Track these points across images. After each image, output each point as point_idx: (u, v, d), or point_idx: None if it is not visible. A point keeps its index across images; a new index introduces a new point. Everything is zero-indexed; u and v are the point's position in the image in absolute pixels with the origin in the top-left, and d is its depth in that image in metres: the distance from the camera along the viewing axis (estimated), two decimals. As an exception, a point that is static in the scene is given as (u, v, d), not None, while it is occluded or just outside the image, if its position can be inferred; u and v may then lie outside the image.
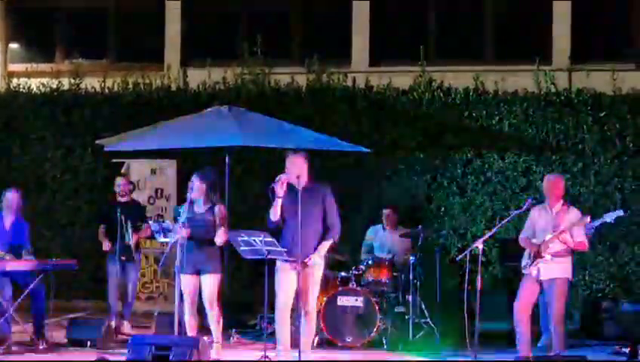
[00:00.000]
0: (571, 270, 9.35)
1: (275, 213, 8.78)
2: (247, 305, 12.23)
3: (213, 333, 9.40)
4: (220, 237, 9.25)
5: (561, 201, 9.42)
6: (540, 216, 9.40)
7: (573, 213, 9.38)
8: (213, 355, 9.15)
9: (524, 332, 9.31)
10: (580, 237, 9.26)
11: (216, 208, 9.37)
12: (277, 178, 8.73)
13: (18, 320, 10.41)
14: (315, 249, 8.75)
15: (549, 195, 9.40)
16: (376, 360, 10.06)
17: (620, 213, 10.19)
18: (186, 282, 9.32)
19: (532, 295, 9.36)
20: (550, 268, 9.24)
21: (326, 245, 8.81)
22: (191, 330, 9.35)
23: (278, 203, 8.74)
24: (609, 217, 9.99)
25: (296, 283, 8.72)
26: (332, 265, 11.33)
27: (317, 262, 8.77)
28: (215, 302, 9.33)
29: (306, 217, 8.61)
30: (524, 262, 9.42)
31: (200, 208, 9.37)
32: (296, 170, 8.74)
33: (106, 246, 11.22)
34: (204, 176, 9.45)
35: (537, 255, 9.24)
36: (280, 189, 8.71)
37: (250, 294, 12.17)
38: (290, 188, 8.75)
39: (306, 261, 8.65)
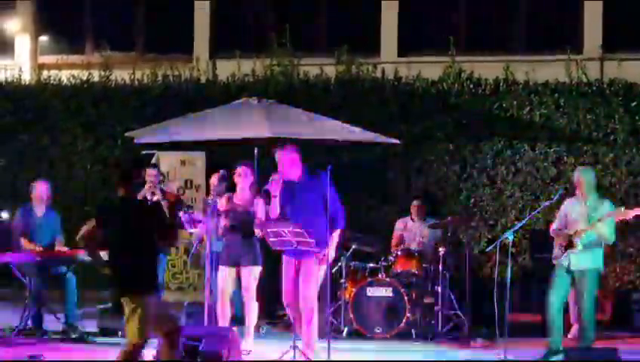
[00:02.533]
0: (602, 261, 9.30)
1: (273, 211, 8.76)
2: (276, 296, 12.24)
3: (246, 325, 9.43)
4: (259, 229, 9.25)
5: (595, 194, 9.38)
6: (573, 207, 9.36)
7: (607, 205, 9.34)
8: (244, 346, 9.18)
9: (556, 323, 9.28)
10: (609, 229, 9.22)
11: (256, 200, 9.39)
12: (270, 178, 8.77)
13: (51, 309, 10.50)
14: (323, 241, 8.66)
15: (581, 188, 9.35)
16: (405, 351, 10.05)
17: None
18: (225, 273, 9.35)
19: (564, 286, 9.32)
20: (581, 259, 9.20)
21: (336, 236, 8.81)
22: (223, 321, 9.38)
23: (275, 202, 8.72)
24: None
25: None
26: (361, 256, 11.35)
27: (332, 257, 8.79)
28: (254, 294, 9.36)
29: (306, 210, 8.60)
30: (555, 252, 9.39)
31: (241, 200, 9.39)
32: (289, 164, 8.75)
33: None
34: (251, 167, 9.50)
35: (569, 245, 9.20)
36: (274, 189, 8.69)
37: (280, 285, 12.16)
38: (287, 183, 8.73)
39: (320, 256, 8.62)
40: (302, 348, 8.66)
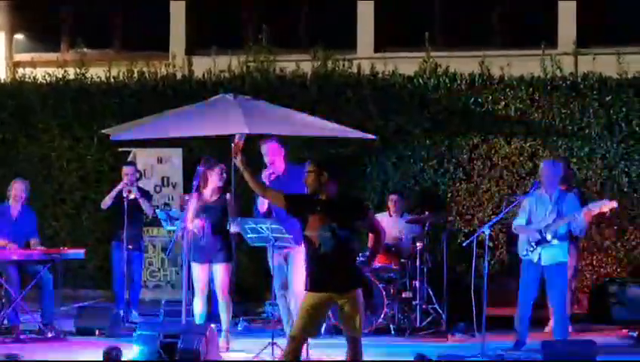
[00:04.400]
0: (572, 255, 9.42)
1: (263, 203, 9.05)
2: (254, 292, 12.27)
3: (223, 321, 9.43)
4: (234, 226, 9.26)
5: (559, 187, 9.44)
6: (537, 201, 9.40)
7: (572, 197, 9.40)
8: (221, 343, 9.17)
9: (524, 317, 9.37)
10: (582, 223, 9.29)
11: (227, 196, 9.39)
12: (262, 173, 8.84)
13: (27, 309, 10.45)
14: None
15: (546, 181, 9.39)
16: (384, 346, 10.06)
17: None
18: (198, 271, 9.34)
19: (534, 281, 9.39)
20: (551, 253, 9.27)
21: None
22: (199, 318, 9.38)
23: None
24: (595, 207, 9.47)
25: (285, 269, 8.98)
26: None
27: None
28: (227, 291, 9.36)
29: None
30: (524, 248, 9.43)
31: (212, 196, 9.38)
32: (274, 156, 8.92)
33: (111, 197, 11.19)
34: (216, 163, 9.49)
35: (540, 240, 9.25)
36: (266, 183, 8.85)
37: (258, 281, 12.19)
38: (275, 176, 8.95)
39: (297, 247, 8.72)
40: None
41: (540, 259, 9.30)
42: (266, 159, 9.17)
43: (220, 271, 9.32)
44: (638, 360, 9.30)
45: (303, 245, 8.39)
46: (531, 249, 9.32)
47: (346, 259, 6.97)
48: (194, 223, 9.22)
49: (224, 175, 9.46)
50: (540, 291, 9.56)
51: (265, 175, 9.01)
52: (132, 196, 11.10)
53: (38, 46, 16.28)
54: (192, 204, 9.28)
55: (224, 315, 9.41)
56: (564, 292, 9.43)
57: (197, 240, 9.26)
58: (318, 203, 6.99)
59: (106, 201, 11.36)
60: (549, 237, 9.20)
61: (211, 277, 9.46)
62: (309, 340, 8.57)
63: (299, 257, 8.79)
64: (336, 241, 6.86)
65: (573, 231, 9.36)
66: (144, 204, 11.19)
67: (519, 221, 9.49)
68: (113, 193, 11.23)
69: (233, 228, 9.30)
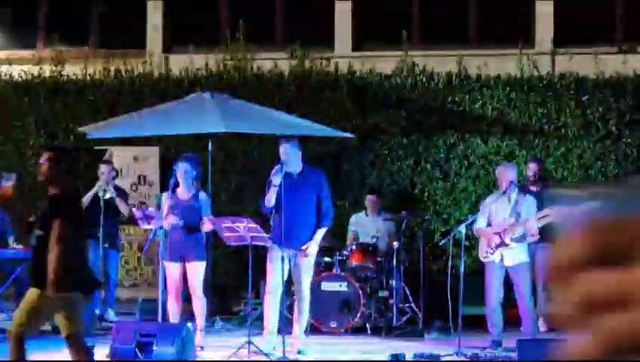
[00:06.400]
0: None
1: (269, 200, 8.86)
2: (232, 291, 12.24)
3: (197, 320, 9.40)
4: (206, 225, 9.23)
5: (516, 189, 9.50)
6: (496, 203, 9.46)
7: (530, 200, 9.47)
8: (196, 342, 9.14)
9: (496, 318, 9.44)
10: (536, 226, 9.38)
11: (201, 194, 9.35)
12: (275, 168, 8.78)
13: (2, 307, 10.39)
14: (310, 237, 8.84)
15: (504, 183, 9.44)
16: (361, 345, 10.08)
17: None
18: (171, 269, 9.31)
19: (500, 282, 9.46)
20: (513, 254, 9.34)
21: (321, 233, 8.95)
22: (174, 317, 9.35)
23: (273, 191, 8.79)
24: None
25: (288, 269, 8.93)
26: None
27: (313, 252, 8.89)
28: (200, 290, 9.33)
29: (300, 204, 8.69)
30: (484, 250, 9.48)
31: (185, 195, 9.35)
32: (289, 156, 8.83)
33: (89, 195, 11.10)
34: (192, 161, 9.45)
35: (501, 244, 9.32)
36: (277, 179, 8.75)
37: (235, 280, 12.17)
38: (286, 174, 8.80)
39: (303, 248, 8.75)
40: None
41: (502, 259, 9.37)
42: (283, 158, 8.94)
43: (193, 270, 9.28)
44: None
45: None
46: (491, 251, 9.40)
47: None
48: (168, 221, 9.18)
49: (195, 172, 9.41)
50: (507, 291, 9.65)
51: (274, 170, 8.86)
52: (107, 196, 11.04)
53: (14, 43, 16.16)
54: (167, 203, 9.25)
55: (198, 314, 9.39)
56: (530, 291, 9.51)
57: (170, 239, 9.22)
58: None
59: (83, 202, 11.28)
60: (507, 240, 9.30)
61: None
62: (286, 338, 8.59)
63: (312, 262, 9.03)
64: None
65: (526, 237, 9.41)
66: (120, 204, 11.13)
67: (479, 224, 9.55)
68: (90, 193, 11.17)
69: (206, 228, 9.25)
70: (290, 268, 8.97)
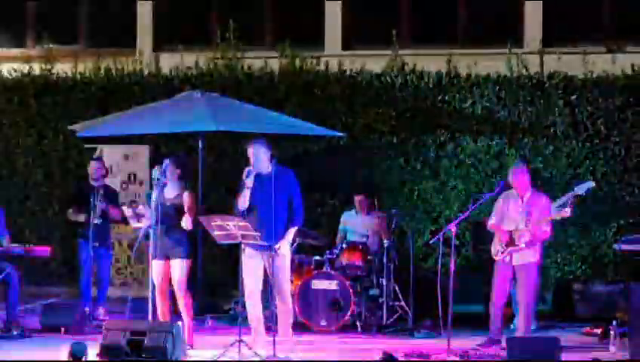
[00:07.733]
0: (540, 254, 9.55)
1: (244, 202, 8.94)
2: (222, 289, 12.25)
3: (184, 319, 9.40)
4: (185, 223, 9.24)
5: (530, 190, 9.57)
6: (509, 203, 9.53)
7: (543, 200, 9.54)
8: (186, 341, 9.15)
9: (498, 316, 9.48)
10: (545, 227, 9.43)
11: (185, 194, 9.36)
12: (245, 170, 8.84)
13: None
14: (282, 236, 8.87)
15: (517, 186, 9.54)
16: (351, 343, 10.10)
17: (591, 184, 10.43)
18: (156, 267, 9.31)
19: (506, 281, 9.52)
20: (522, 254, 9.43)
21: (292, 231, 9.05)
22: (162, 316, 9.35)
23: (246, 193, 8.90)
24: (580, 190, 10.19)
25: (264, 269, 8.98)
26: (306, 249, 11.39)
27: (285, 250, 8.93)
28: (184, 287, 9.32)
29: (271, 203, 8.73)
30: (495, 248, 9.55)
31: (170, 193, 9.37)
32: (259, 157, 8.91)
33: (82, 218, 11.12)
34: (178, 161, 9.47)
35: (510, 243, 9.39)
36: (249, 181, 8.86)
37: (225, 279, 12.17)
38: (257, 175, 8.90)
39: (276, 247, 8.79)
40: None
41: (511, 259, 9.45)
42: (252, 160, 9.06)
43: (177, 268, 9.29)
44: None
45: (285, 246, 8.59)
46: (502, 250, 9.47)
47: None
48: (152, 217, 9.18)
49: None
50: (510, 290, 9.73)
51: (245, 172, 8.95)
52: (97, 218, 10.96)
53: (4, 41, 16.13)
54: (154, 202, 9.27)
55: (184, 312, 9.39)
56: (533, 290, 9.57)
57: (156, 237, 9.22)
58: None
59: (73, 218, 11.32)
60: (518, 241, 9.38)
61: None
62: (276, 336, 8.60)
63: (286, 259, 9.00)
64: None
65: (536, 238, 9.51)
66: (112, 214, 11.08)
67: (492, 220, 9.66)
68: (79, 217, 11.17)
69: (184, 226, 9.23)
70: (266, 268, 9.00)
